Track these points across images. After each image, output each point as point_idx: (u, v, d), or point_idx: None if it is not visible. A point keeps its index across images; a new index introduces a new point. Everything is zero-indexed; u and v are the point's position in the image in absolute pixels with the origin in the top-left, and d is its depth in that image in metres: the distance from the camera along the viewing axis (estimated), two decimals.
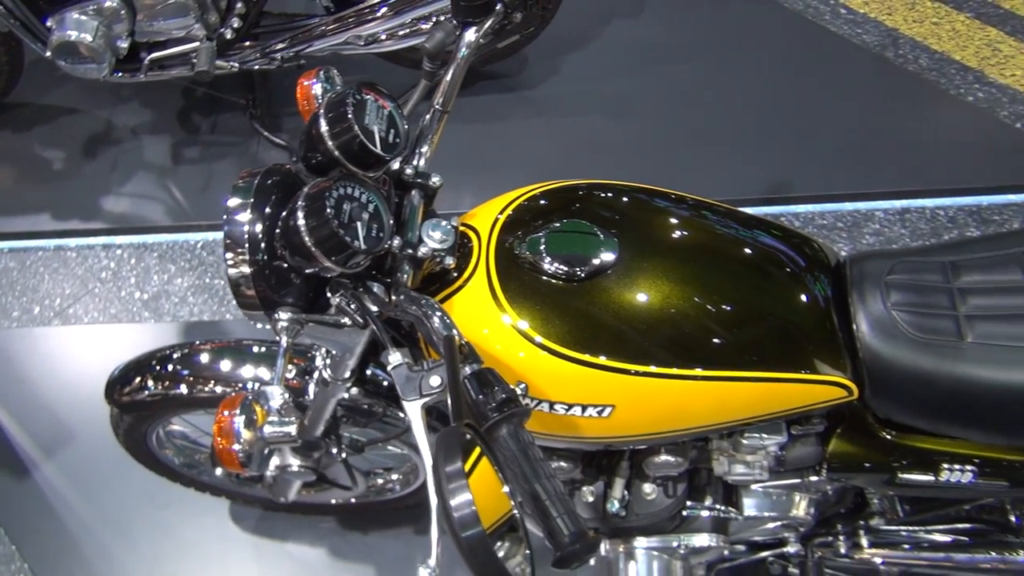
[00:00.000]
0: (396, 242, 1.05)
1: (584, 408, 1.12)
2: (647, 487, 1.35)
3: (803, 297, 1.20)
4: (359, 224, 0.98)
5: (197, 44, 2.38)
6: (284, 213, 1.00)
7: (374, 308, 1.03)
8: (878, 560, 1.61)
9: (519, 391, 0.85)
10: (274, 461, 1.56)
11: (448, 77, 1.15)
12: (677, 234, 1.21)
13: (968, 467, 1.27)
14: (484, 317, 1.11)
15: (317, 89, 1.19)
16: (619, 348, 1.10)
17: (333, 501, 1.95)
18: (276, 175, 1.09)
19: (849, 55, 2.80)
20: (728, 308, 1.14)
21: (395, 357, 0.92)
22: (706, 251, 1.19)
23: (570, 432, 1.17)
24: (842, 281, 1.24)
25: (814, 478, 1.46)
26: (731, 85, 2.74)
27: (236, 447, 1.00)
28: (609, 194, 1.23)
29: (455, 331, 0.90)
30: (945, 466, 1.27)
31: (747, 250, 1.23)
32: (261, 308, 1.08)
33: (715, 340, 1.13)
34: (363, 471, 1.88)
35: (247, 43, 2.46)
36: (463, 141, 2.67)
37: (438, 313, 0.92)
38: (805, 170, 2.53)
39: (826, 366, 1.17)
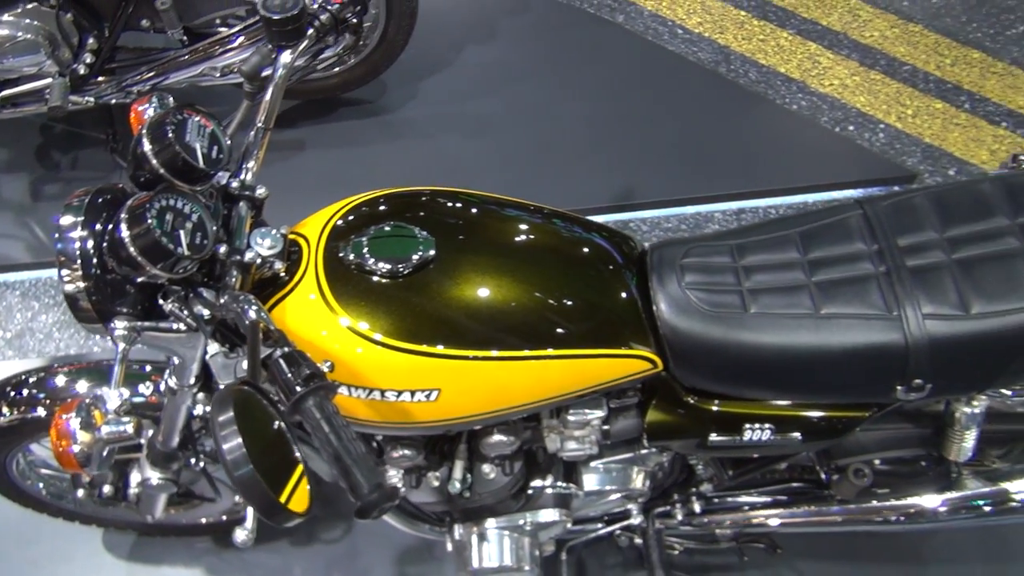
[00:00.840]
0: (223, 249, 1.14)
1: (412, 393, 1.23)
2: (486, 467, 1.46)
3: (609, 281, 1.34)
4: (182, 232, 1.06)
5: (50, 80, 2.40)
6: (110, 227, 1.08)
7: (205, 311, 1.11)
8: (712, 525, 1.77)
9: (325, 368, 0.95)
10: (135, 477, 1.62)
11: (267, 97, 1.25)
12: (494, 230, 1.33)
13: (766, 425, 1.42)
14: (314, 315, 1.20)
15: (150, 113, 1.27)
16: (440, 335, 1.21)
17: (204, 520, 1.98)
18: (107, 193, 1.16)
19: (686, 71, 3.01)
20: (541, 293, 1.27)
21: (213, 347, 1.01)
22: (520, 244, 1.32)
23: (404, 418, 1.27)
24: (644, 267, 1.39)
25: (644, 451, 1.61)
26: (580, 102, 2.91)
27: (74, 448, 1.07)
28: (429, 198, 1.34)
29: (263, 318, 0.99)
30: (746, 426, 1.42)
31: (558, 242, 1.36)
32: (98, 320, 1.15)
33: (529, 323, 1.25)
34: (230, 486, 1.93)
35: (101, 78, 2.49)
36: (326, 166, 2.76)
37: (253, 306, 1.01)
38: (650, 178, 2.72)
39: (632, 342, 1.31)
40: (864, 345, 1.29)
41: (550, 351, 1.25)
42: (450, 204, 1.34)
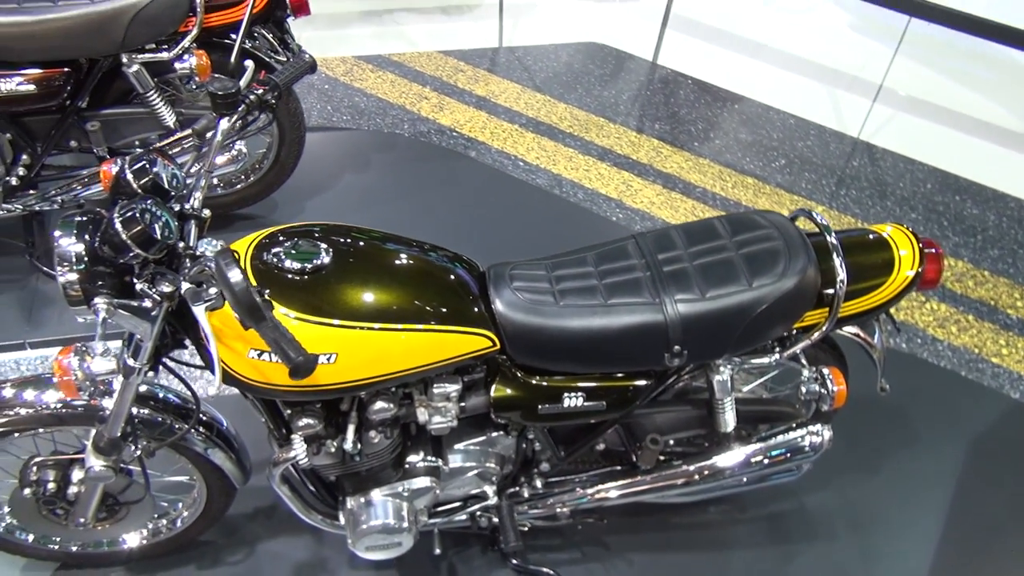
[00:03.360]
0: (181, 244, 1.60)
1: (318, 356, 1.68)
2: (372, 433, 1.90)
3: (459, 283, 1.85)
4: (156, 226, 1.52)
5: None
6: (104, 222, 1.52)
7: (166, 287, 1.56)
8: (553, 504, 2.22)
9: (266, 296, 1.42)
10: (77, 475, 1.96)
11: (212, 150, 1.76)
12: (374, 245, 1.83)
13: (579, 394, 1.94)
14: None
15: (114, 169, 1.74)
16: (336, 311, 1.67)
17: (125, 546, 2.27)
18: (89, 213, 1.62)
19: (528, 193, 3.70)
20: (409, 285, 1.76)
21: (185, 285, 1.46)
22: (393, 254, 1.83)
23: (311, 380, 1.71)
24: (484, 279, 1.92)
25: (494, 434, 2.08)
26: (439, 218, 3.51)
27: (72, 377, 1.47)
28: (327, 228, 1.85)
29: (224, 251, 1.45)
30: (565, 395, 1.93)
31: (421, 255, 1.87)
32: (84, 302, 1.57)
33: (401, 305, 1.73)
34: (150, 514, 2.25)
35: (31, 190, 2.90)
36: None
37: (214, 256, 1.47)
38: None
39: (477, 324, 1.82)
40: (638, 323, 1.85)
41: (418, 326, 1.74)
42: (342, 230, 1.85)
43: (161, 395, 1.99)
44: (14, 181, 2.85)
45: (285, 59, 2.92)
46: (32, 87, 2.64)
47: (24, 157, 2.84)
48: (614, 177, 3.84)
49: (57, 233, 1.58)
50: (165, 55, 2.68)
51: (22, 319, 2.96)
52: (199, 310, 1.45)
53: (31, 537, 2.22)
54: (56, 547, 2.25)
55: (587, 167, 3.88)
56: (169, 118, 2.83)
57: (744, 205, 3.73)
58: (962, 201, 3.90)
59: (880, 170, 4.04)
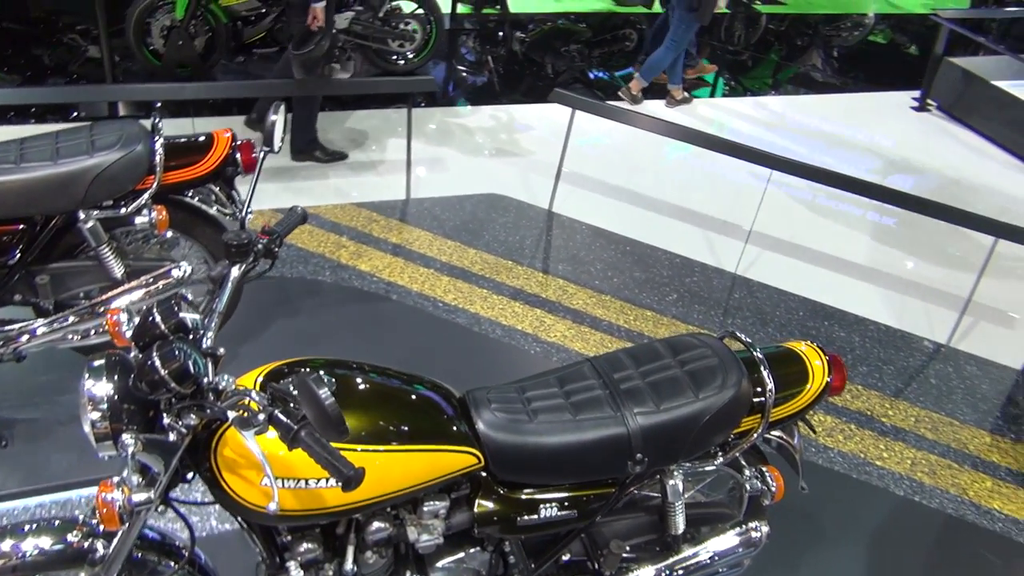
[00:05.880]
0: (204, 380, 1.73)
1: (328, 480, 1.81)
2: (368, 554, 2.00)
3: (442, 408, 2.05)
4: (189, 363, 1.66)
5: None
6: (142, 360, 1.64)
7: (193, 420, 1.68)
8: None
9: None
10: None
11: (225, 295, 1.92)
12: (367, 376, 2.01)
13: (553, 504, 2.13)
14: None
15: (122, 318, 1.87)
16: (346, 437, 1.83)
17: None
18: (112, 357, 1.73)
19: (450, 331, 3.93)
20: (404, 411, 1.95)
21: (231, 414, 1.58)
22: (385, 384, 2.01)
23: (320, 504, 1.83)
24: (465, 403, 2.12)
25: (472, 550, 2.22)
26: (372, 358, 3.67)
27: (116, 510, 1.55)
28: (324, 360, 2.02)
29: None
30: (542, 507, 2.12)
31: (410, 383, 2.06)
32: (111, 438, 1.66)
33: (400, 427, 1.91)
34: None
35: None
36: None
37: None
38: None
39: (464, 443, 2.00)
40: (605, 436, 2.08)
41: (415, 447, 1.91)
42: (338, 363, 2.02)
43: (148, 534, 2.03)
44: None
45: (231, 212, 3.10)
46: None
47: None
48: (528, 314, 4.14)
49: (86, 376, 1.68)
50: (123, 211, 2.82)
51: None
52: (249, 435, 1.58)
53: None
54: None
55: (502, 306, 4.17)
56: (118, 270, 2.92)
57: (647, 336, 4.10)
58: (831, 326, 4.43)
59: (758, 300, 4.54)
